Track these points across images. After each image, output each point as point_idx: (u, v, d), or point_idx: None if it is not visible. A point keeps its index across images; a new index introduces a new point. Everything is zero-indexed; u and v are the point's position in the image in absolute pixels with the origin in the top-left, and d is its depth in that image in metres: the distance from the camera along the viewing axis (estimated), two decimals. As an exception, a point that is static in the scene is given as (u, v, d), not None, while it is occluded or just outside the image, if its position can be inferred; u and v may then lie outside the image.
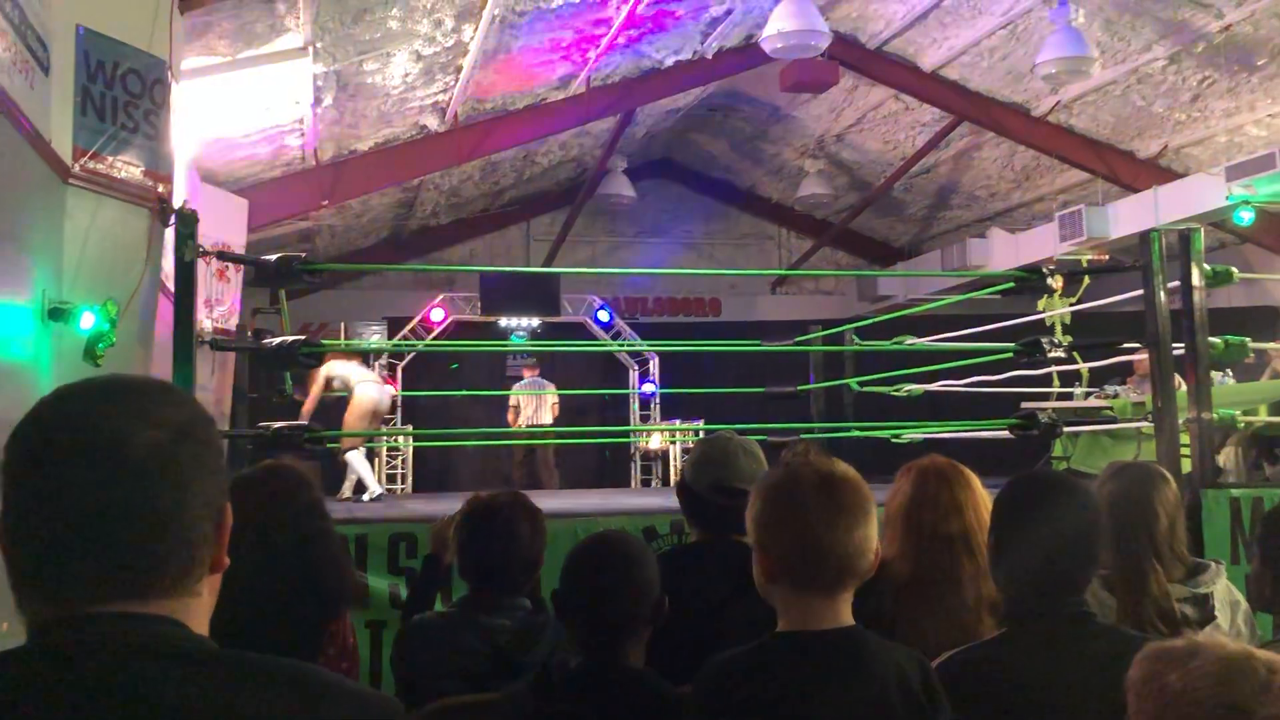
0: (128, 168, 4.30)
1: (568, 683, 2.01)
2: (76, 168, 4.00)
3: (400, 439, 13.33)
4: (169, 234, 4.61)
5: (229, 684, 1.03)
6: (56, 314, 3.63)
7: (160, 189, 4.52)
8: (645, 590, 2.06)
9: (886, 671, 1.74)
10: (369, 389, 9.27)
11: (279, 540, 2.33)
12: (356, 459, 9.08)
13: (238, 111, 7.97)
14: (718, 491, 2.55)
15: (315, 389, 9.17)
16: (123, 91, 4.27)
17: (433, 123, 10.07)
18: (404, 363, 14.23)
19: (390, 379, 13.88)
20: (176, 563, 1.08)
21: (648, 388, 14.37)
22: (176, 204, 4.62)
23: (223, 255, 5.82)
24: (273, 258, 4.55)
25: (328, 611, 2.50)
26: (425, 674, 2.50)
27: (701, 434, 8.68)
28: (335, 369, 9.23)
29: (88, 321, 3.72)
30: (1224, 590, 2.63)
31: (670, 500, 3.81)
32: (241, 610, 2.16)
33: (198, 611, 1.11)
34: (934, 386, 7.89)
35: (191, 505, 1.08)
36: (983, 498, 2.48)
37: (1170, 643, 1.33)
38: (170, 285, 4.62)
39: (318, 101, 8.39)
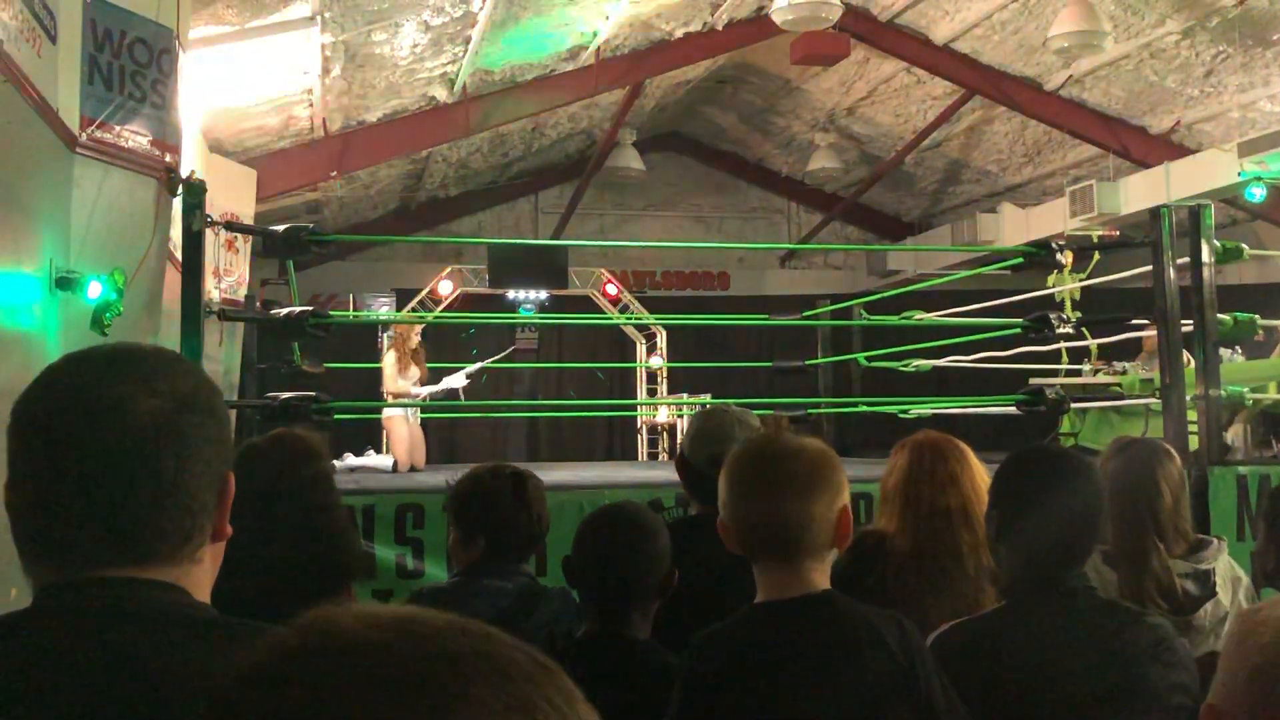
0: (135, 137, 4.30)
1: (571, 651, 2.02)
2: (84, 137, 4.00)
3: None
4: (176, 204, 4.61)
5: (229, 650, 1.03)
6: (64, 283, 3.64)
7: (168, 159, 4.53)
8: (655, 562, 2.07)
9: (859, 633, 1.73)
10: None
11: (284, 511, 2.34)
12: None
13: (246, 81, 7.95)
14: (715, 465, 2.55)
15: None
16: (130, 60, 4.26)
17: (441, 94, 10.03)
18: (413, 334, 14.21)
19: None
20: (177, 530, 1.09)
21: (655, 361, 14.35)
22: (184, 174, 4.62)
23: (231, 226, 5.80)
24: (281, 228, 4.55)
25: (333, 585, 2.51)
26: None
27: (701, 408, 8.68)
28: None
29: (95, 291, 3.74)
30: (1225, 566, 2.64)
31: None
32: (245, 582, 2.18)
33: (199, 578, 1.12)
34: (942, 362, 7.87)
35: (193, 473, 1.09)
36: (978, 470, 2.48)
37: (1275, 602, 1.20)
38: (178, 255, 4.63)
39: (326, 72, 8.36)
